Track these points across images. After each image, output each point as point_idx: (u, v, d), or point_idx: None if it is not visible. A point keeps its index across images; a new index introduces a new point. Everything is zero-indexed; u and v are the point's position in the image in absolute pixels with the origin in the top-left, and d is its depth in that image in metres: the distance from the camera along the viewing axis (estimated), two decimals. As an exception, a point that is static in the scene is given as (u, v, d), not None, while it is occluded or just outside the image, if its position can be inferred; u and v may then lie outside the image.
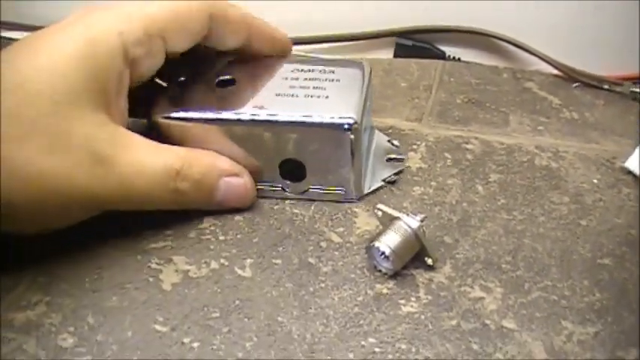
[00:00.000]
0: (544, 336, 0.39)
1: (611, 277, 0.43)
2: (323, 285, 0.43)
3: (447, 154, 0.53)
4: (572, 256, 0.44)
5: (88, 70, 0.41)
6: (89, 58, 0.41)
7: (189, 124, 0.46)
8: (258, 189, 0.48)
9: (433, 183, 0.50)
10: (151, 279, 0.43)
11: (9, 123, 0.39)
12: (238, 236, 0.46)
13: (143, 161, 0.43)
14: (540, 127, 0.56)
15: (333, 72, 0.49)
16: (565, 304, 0.41)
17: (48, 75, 0.40)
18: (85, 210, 0.43)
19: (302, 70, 0.49)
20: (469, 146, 0.54)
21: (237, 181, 0.47)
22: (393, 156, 0.52)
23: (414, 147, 0.53)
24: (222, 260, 0.45)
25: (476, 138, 0.55)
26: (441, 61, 0.66)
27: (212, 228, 0.47)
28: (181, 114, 0.47)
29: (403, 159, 0.52)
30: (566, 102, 0.60)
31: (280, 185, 0.49)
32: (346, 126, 0.45)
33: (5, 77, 0.40)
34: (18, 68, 0.40)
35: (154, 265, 0.44)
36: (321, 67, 0.50)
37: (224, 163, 0.46)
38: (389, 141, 0.53)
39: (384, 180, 0.50)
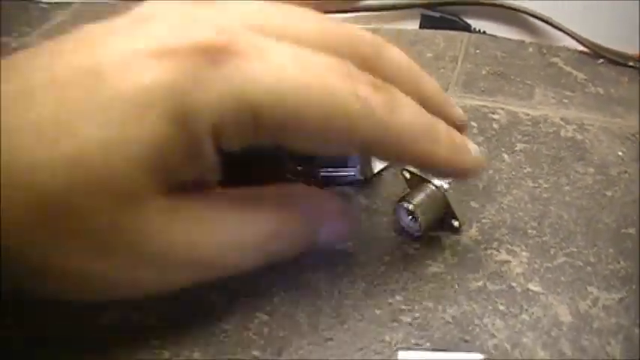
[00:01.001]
0: (569, 300, 0.39)
1: (635, 245, 0.43)
2: (350, 244, 0.43)
3: (473, 123, 0.53)
4: (598, 224, 0.44)
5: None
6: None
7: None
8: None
9: (460, 150, 0.50)
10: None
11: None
12: (265, 196, 0.46)
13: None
14: (565, 101, 0.56)
15: None
16: (590, 270, 0.41)
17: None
18: None
19: None
20: (495, 116, 0.54)
21: (340, 226, 0.39)
22: None
23: (440, 115, 0.53)
24: (249, 218, 0.45)
25: (502, 108, 0.55)
26: (467, 34, 0.66)
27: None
28: None
29: None
30: (591, 77, 0.60)
31: (288, 171, 0.47)
32: None
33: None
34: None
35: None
36: None
37: (328, 202, 0.39)
38: None
39: None
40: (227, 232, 0.34)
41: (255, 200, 0.35)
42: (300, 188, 0.39)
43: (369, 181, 0.48)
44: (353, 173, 0.47)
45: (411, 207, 0.41)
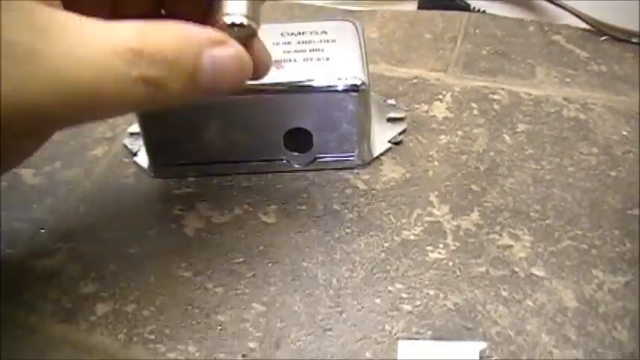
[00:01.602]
0: (574, 284, 0.38)
1: (642, 227, 0.42)
2: (348, 231, 0.42)
3: (473, 104, 0.51)
4: (602, 206, 0.43)
5: None
6: None
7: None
8: (260, 163, 0.46)
9: (459, 132, 0.49)
10: (173, 225, 0.43)
11: None
12: (261, 182, 0.45)
13: (86, 46, 0.28)
14: (568, 80, 0.55)
15: (326, 32, 0.46)
16: (595, 253, 0.40)
17: None
18: (30, 128, 0.30)
19: (292, 34, 0.46)
20: (496, 96, 0.52)
21: (225, 52, 0.32)
22: (393, 115, 0.50)
23: (440, 97, 0.52)
24: (245, 206, 0.44)
25: (502, 89, 0.53)
26: (466, 13, 0.64)
27: (234, 175, 0.46)
28: None
29: (404, 118, 0.50)
30: (594, 55, 0.58)
31: (285, 158, 0.46)
32: (354, 87, 0.43)
33: None
34: None
35: (176, 212, 0.44)
36: (312, 29, 0.46)
37: (203, 31, 0.32)
38: (384, 100, 0.52)
39: (389, 141, 0.48)
40: (83, 37, 0.29)
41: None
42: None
43: (367, 165, 0.47)
44: (351, 158, 0.46)
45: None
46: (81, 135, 0.50)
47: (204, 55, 0.31)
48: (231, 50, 0.32)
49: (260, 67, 0.35)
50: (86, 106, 0.29)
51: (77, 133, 0.50)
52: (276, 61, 0.41)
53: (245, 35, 0.33)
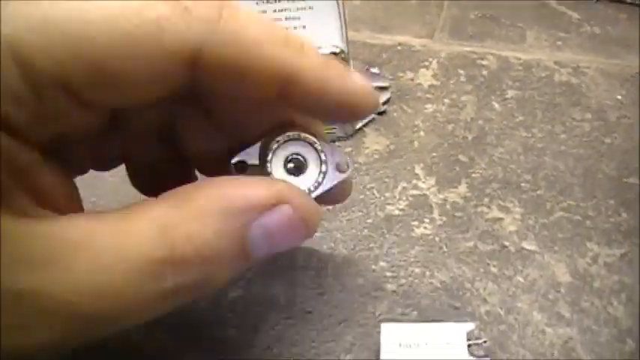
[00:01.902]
0: (568, 258, 0.37)
1: (638, 196, 0.40)
2: (330, 207, 0.40)
3: (460, 71, 0.49)
4: (597, 174, 0.41)
5: None
6: None
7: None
8: None
9: (446, 100, 0.47)
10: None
11: None
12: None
13: (100, 271, 0.23)
14: (559, 43, 0.53)
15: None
16: (589, 224, 0.39)
17: None
18: None
19: (268, 2, 0.42)
20: (484, 62, 0.50)
21: (277, 218, 0.26)
22: (376, 84, 0.48)
23: (426, 64, 0.50)
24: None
25: (491, 54, 0.51)
26: (453, -24, 0.62)
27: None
28: None
29: (388, 87, 0.48)
30: (586, 17, 0.56)
31: None
32: (332, 56, 0.41)
33: None
34: None
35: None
36: None
37: (246, 197, 0.26)
38: (367, 69, 0.50)
39: None
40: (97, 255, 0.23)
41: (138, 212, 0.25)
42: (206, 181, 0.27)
43: (349, 137, 0.45)
44: (334, 130, 0.44)
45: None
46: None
47: (252, 230, 0.25)
48: (285, 211, 0.26)
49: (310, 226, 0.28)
50: (104, 331, 0.24)
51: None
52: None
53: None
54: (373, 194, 0.41)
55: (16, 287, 0.22)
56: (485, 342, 0.33)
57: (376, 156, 0.43)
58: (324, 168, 0.28)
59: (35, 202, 0.25)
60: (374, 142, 0.44)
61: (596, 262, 0.37)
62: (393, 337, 0.32)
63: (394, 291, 0.36)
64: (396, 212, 0.40)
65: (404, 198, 0.40)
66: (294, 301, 0.36)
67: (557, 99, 0.47)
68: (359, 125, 0.45)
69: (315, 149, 0.28)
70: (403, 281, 0.36)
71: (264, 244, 0.26)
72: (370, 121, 0.46)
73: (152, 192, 0.26)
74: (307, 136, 0.28)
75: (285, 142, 0.28)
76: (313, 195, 0.28)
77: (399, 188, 0.41)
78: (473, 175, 0.42)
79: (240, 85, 0.26)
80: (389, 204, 0.40)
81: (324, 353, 0.33)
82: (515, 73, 0.49)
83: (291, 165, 0.28)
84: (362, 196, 0.41)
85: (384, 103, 0.47)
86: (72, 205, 0.28)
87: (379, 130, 0.45)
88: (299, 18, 0.42)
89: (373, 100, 0.28)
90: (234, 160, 0.28)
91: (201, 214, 0.24)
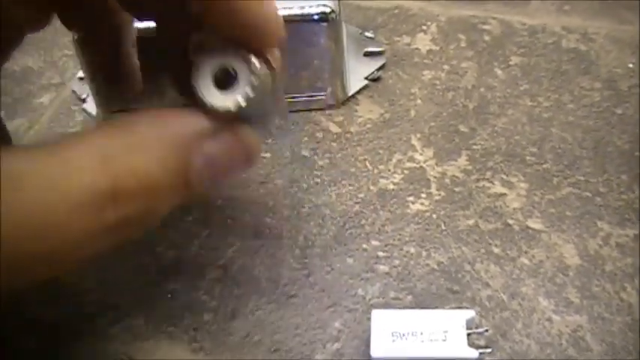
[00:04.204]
0: (576, 238, 0.34)
1: (652, 171, 0.38)
2: (318, 180, 0.38)
3: (460, 36, 0.47)
4: (607, 147, 0.39)
5: None
6: None
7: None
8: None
9: (446, 67, 0.44)
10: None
11: None
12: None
13: (44, 202, 0.22)
14: (566, 7, 0.50)
15: None
16: (600, 201, 0.36)
17: None
18: None
19: None
20: (486, 27, 0.47)
21: (221, 145, 0.27)
22: (370, 49, 0.46)
23: (424, 28, 0.48)
24: (202, 155, 0.39)
25: (494, 18, 0.48)
26: None
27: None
28: None
29: (383, 51, 0.45)
30: (595, -21, 0.53)
31: None
32: (322, 16, 0.39)
33: None
34: None
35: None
36: None
37: (187, 125, 0.26)
38: (361, 33, 0.47)
39: (366, 78, 0.44)
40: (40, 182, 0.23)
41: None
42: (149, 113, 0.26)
43: (341, 105, 0.42)
44: (323, 97, 0.42)
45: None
46: (26, 81, 0.46)
47: (194, 159, 0.25)
48: (226, 139, 0.27)
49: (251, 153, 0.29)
50: (50, 270, 0.24)
51: (22, 79, 0.46)
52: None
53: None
54: (365, 167, 0.38)
55: None
56: (486, 331, 0.30)
57: (369, 125, 0.41)
58: (253, 80, 0.26)
59: None
60: (367, 110, 0.42)
61: (607, 243, 0.34)
62: (385, 325, 0.30)
63: (387, 273, 0.33)
64: (390, 186, 0.37)
65: (399, 171, 0.38)
66: (276, 283, 0.33)
67: (564, 66, 0.44)
68: (351, 92, 0.42)
69: (245, 61, 0.26)
70: (397, 262, 0.34)
71: (206, 174, 0.26)
72: (363, 88, 0.43)
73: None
74: (235, 47, 0.26)
75: (211, 54, 0.26)
76: (244, 104, 0.26)
77: (394, 160, 0.39)
78: (474, 146, 0.39)
79: None
80: (382, 177, 0.38)
81: (309, 341, 0.31)
82: (519, 38, 0.46)
83: (218, 78, 0.26)
84: (353, 169, 0.38)
85: (379, 69, 0.44)
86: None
87: (373, 98, 0.43)
88: None
89: (278, 32, 0.27)
90: None
91: (143, 144, 0.24)
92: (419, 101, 0.42)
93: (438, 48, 0.46)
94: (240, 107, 0.26)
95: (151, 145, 0.24)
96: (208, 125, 0.26)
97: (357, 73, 0.44)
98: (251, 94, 0.26)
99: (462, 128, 0.40)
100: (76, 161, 0.23)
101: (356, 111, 0.42)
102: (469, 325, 0.29)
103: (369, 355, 0.29)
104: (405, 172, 0.38)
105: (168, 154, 0.25)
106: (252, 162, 0.28)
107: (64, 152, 0.23)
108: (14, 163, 0.22)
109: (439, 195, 0.37)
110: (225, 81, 0.26)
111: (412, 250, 0.34)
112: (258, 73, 0.26)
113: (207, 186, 0.27)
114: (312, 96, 0.41)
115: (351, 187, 0.37)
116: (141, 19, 0.33)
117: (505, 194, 0.36)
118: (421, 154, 0.39)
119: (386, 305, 0.32)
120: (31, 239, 0.22)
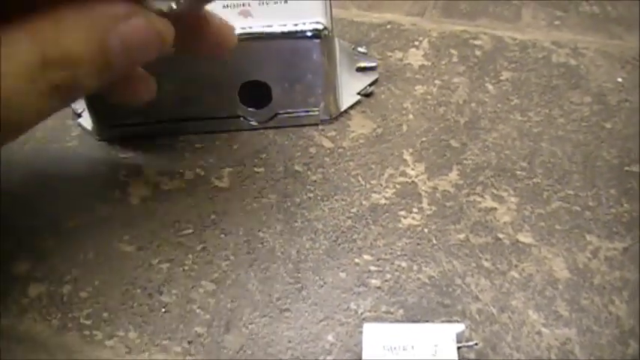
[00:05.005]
0: (566, 252, 0.35)
1: (641, 185, 0.38)
2: (311, 195, 0.38)
3: (452, 51, 0.47)
4: (596, 162, 0.39)
5: None
6: None
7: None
8: (214, 121, 0.42)
9: (437, 81, 0.44)
10: (117, 193, 0.39)
11: None
12: (216, 143, 0.41)
13: None
14: (557, 22, 0.50)
15: None
16: (589, 215, 0.36)
17: None
18: None
19: None
20: (477, 42, 0.48)
21: (132, 25, 0.30)
22: (363, 65, 0.46)
23: (416, 43, 0.48)
24: (197, 170, 0.40)
25: (485, 33, 0.49)
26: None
27: (186, 135, 0.42)
28: None
29: (375, 67, 0.46)
30: (585, -5, 0.54)
31: (242, 115, 0.42)
32: (315, 33, 0.39)
33: None
34: None
35: (121, 178, 0.40)
36: None
37: (104, 8, 0.30)
38: (354, 48, 0.47)
39: (359, 93, 0.44)
40: None
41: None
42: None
43: (334, 120, 0.42)
44: (316, 112, 0.42)
45: None
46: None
47: (110, 37, 0.30)
48: (139, 21, 0.30)
49: (220, 40, 0.35)
50: None
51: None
52: (243, 9, 0.39)
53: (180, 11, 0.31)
54: (358, 181, 0.39)
55: None
56: (476, 344, 0.30)
57: (362, 140, 0.41)
58: None
59: None
60: (360, 125, 0.42)
61: (596, 257, 0.34)
62: (376, 338, 0.30)
63: (379, 287, 0.34)
64: (382, 201, 0.38)
65: (391, 186, 0.38)
66: (270, 297, 0.33)
67: (554, 81, 0.45)
68: (343, 108, 0.43)
69: None
70: (389, 276, 0.34)
71: (122, 51, 0.30)
72: (356, 103, 0.43)
73: None
74: None
75: None
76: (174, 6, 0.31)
77: (386, 175, 0.39)
78: (465, 161, 0.39)
79: None
80: (374, 192, 0.38)
81: (302, 355, 0.31)
82: (510, 53, 0.47)
83: None
84: (345, 184, 0.38)
85: (371, 84, 0.44)
86: None
87: (365, 113, 0.43)
88: None
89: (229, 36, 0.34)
90: None
91: (68, 25, 0.28)
92: (411, 116, 0.42)
93: (429, 63, 0.46)
94: (171, 9, 0.31)
95: (74, 25, 0.29)
96: (123, 11, 0.30)
97: (350, 88, 0.44)
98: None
99: (454, 143, 0.40)
100: (15, 39, 0.27)
101: (348, 126, 0.42)
102: (459, 338, 0.30)
103: (361, 368, 0.29)
104: (397, 186, 0.38)
105: (89, 32, 0.29)
106: (165, 46, 0.32)
107: (5, 30, 0.27)
108: None
109: (430, 209, 0.37)
110: None
111: (403, 264, 0.34)
112: None
113: (125, 64, 0.31)
114: (305, 111, 0.42)
115: (343, 202, 0.37)
116: None
117: (495, 208, 0.37)
118: (413, 169, 0.39)
119: (377, 319, 0.32)
120: None
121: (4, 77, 0.27)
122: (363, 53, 0.47)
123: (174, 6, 0.31)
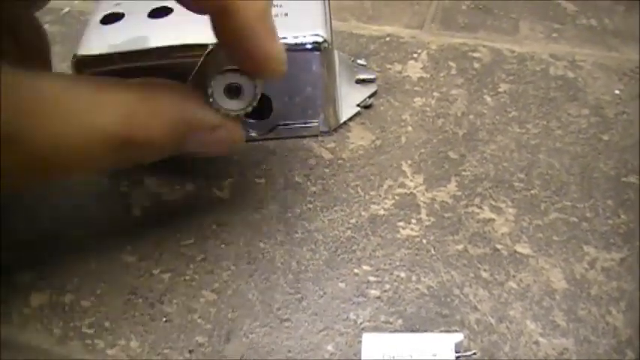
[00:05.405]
0: (563, 262, 0.35)
1: (638, 196, 0.38)
2: (311, 206, 0.38)
3: (451, 63, 0.47)
4: (594, 173, 0.39)
5: None
6: None
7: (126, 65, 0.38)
8: None
9: (436, 94, 0.45)
10: (119, 204, 0.39)
11: None
12: (217, 154, 0.41)
13: (71, 133, 0.28)
14: (554, 35, 0.51)
15: None
16: (587, 226, 0.37)
17: None
18: None
19: None
20: (476, 54, 0.48)
21: (214, 137, 0.33)
22: (362, 77, 0.46)
23: (415, 56, 0.48)
24: (198, 181, 0.40)
25: (483, 46, 0.49)
26: (445, -35, 0.60)
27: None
28: (110, 49, 0.38)
29: (374, 79, 0.46)
30: (582, 8, 0.54)
31: (242, 126, 0.42)
32: (315, 45, 0.39)
33: None
34: None
35: (123, 189, 0.40)
36: None
37: (196, 113, 0.32)
38: (353, 60, 0.48)
39: (358, 105, 0.44)
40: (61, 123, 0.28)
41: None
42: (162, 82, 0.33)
43: (333, 132, 0.43)
44: (315, 124, 0.42)
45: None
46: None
47: (193, 137, 0.32)
48: (222, 133, 0.33)
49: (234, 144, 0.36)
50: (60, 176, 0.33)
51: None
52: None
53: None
54: (357, 192, 0.39)
55: (8, 130, 0.26)
56: (474, 354, 0.31)
57: (361, 152, 0.41)
58: (257, 95, 0.33)
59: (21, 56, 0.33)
60: (359, 137, 0.42)
61: (593, 267, 0.35)
62: (376, 348, 0.30)
63: (378, 297, 0.34)
64: (381, 212, 0.38)
65: (390, 197, 0.38)
66: (270, 307, 0.34)
67: (552, 93, 0.45)
68: (343, 119, 0.43)
69: (250, 80, 0.32)
70: (387, 286, 0.34)
71: (194, 149, 0.33)
72: (355, 115, 0.43)
73: None
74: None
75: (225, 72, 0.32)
76: (249, 110, 0.33)
77: (385, 186, 0.39)
78: (463, 173, 0.40)
79: None
80: (374, 203, 0.38)
81: (301, 364, 0.31)
82: (508, 65, 0.47)
83: (229, 90, 0.33)
84: (345, 195, 0.39)
85: (371, 96, 0.44)
86: (46, 60, 0.36)
87: (365, 125, 0.43)
88: (281, 6, 0.41)
89: (278, 69, 0.33)
90: None
91: (159, 115, 0.30)
92: (409, 128, 0.42)
93: (428, 75, 0.46)
94: (243, 112, 0.33)
95: (166, 118, 0.31)
96: (216, 122, 0.32)
97: (349, 100, 0.44)
98: (255, 104, 0.33)
99: (452, 155, 0.41)
100: (106, 107, 0.29)
101: (348, 137, 0.42)
102: (458, 348, 0.30)
103: (360, 378, 0.29)
104: (396, 197, 0.38)
105: (177, 127, 0.31)
106: (233, 149, 0.36)
107: (98, 94, 0.29)
108: (57, 85, 0.28)
109: (429, 220, 0.37)
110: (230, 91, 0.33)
111: (402, 274, 0.35)
112: (258, 92, 0.33)
113: (189, 154, 0.33)
114: (305, 123, 0.42)
115: (342, 213, 0.38)
116: None
117: (494, 219, 0.37)
118: (411, 181, 0.39)
119: (377, 329, 0.32)
120: (59, 153, 0.28)
121: (88, 134, 0.28)
122: (363, 65, 0.47)
123: (249, 110, 0.33)
